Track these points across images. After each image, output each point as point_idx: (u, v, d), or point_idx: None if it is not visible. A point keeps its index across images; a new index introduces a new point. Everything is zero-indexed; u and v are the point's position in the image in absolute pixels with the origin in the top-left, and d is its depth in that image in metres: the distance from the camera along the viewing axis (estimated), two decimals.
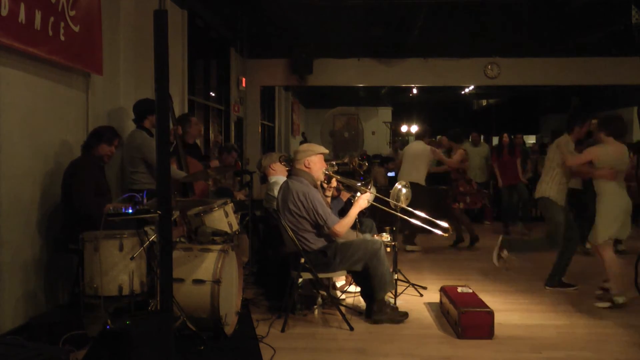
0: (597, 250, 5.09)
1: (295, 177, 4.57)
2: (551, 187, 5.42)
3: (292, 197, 4.44)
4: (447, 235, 5.00)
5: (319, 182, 4.68)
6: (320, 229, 4.46)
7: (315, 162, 4.60)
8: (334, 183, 4.82)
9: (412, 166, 7.74)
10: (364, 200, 4.60)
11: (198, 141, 8.61)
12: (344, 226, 4.46)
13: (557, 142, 5.50)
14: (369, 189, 4.79)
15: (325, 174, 4.70)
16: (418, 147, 7.90)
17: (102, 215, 3.88)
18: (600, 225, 4.98)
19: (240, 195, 6.62)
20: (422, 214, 4.93)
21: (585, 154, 5.25)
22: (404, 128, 23.14)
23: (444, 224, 4.86)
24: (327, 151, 4.80)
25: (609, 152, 5.01)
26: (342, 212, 5.77)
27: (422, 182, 7.68)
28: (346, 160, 5.28)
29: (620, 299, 4.87)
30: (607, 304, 4.91)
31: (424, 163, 7.75)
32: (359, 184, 4.75)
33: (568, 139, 5.42)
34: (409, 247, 7.70)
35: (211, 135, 9.68)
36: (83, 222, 3.97)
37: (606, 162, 4.98)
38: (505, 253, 5.46)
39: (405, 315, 4.51)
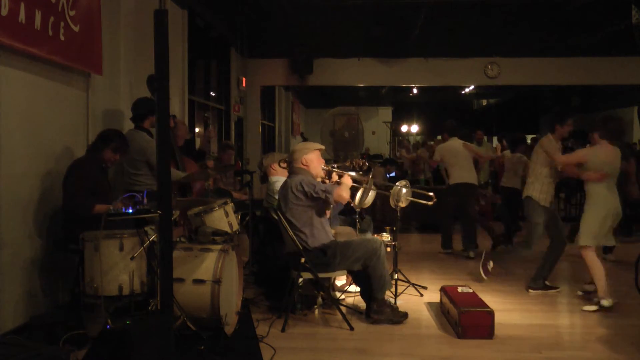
0: (582, 253, 4.99)
1: (295, 176, 4.57)
2: (534, 187, 5.40)
3: (290, 191, 4.46)
4: (431, 203, 5.15)
5: (319, 179, 4.67)
6: (322, 220, 4.48)
7: (313, 159, 4.61)
8: (334, 177, 4.80)
9: (462, 166, 7.26)
10: (347, 178, 4.60)
11: (198, 140, 8.64)
12: (343, 190, 4.42)
13: (540, 142, 5.46)
14: (370, 177, 4.76)
15: (324, 169, 4.70)
16: (462, 145, 7.36)
17: (89, 215, 3.89)
18: (585, 228, 4.94)
19: (239, 195, 6.62)
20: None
21: (576, 154, 5.30)
22: (404, 128, 23.15)
23: (429, 193, 5.13)
24: (323, 147, 4.78)
25: (599, 154, 4.95)
26: (342, 214, 5.78)
27: (476, 181, 7.38)
28: (347, 163, 5.28)
29: (606, 302, 4.78)
30: (594, 307, 4.82)
31: (471, 160, 7.31)
32: (359, 174, 4.74)
33: (551, 138, 5.36)
34: (471, 254, 7.11)
35: (211, 130, 9.65)
36: (83, 222, 3.97)
37: (595, 164, 4.93)
38: (491, 265, 5.66)
39: (404, 316, 4.50)
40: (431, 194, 5.19)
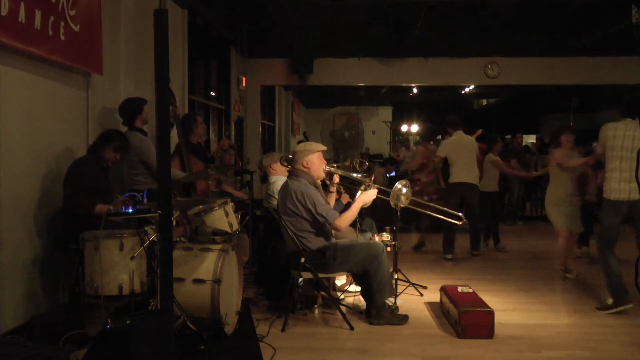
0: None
1: (295, 178, 4.54)
2: None
3: (290, 197, 4.44)
4: (460, 223, 5.31)
5: (319, 180, 4.65)
6: (320, 227, 4.44)
7: (314, 161, 4.56)
8: (336, 179, 4.78)
9: (465, 164, 6.89)
10: (369, 195, 4.56)
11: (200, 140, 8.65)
12: (345, 220, 4.43)
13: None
14: (372, 179, 4.75)
15: (326, 171, 4.66)
16: (469, 141, 7.01)
17: (89, 215, 3.89)
18: None
19: (240, 194, 6.62)
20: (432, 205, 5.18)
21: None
22: (404, 127, 23.15)
23: (457, 213, 5.25)
24: (324, 148, 4.73)
25: None
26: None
27: (477, 182, 6.99)
28: (347, 163, 5.27)
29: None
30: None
31: (474, 159, 6.93)
32: (360, 175, 4.71)
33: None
34: (448, 256, 6.97)
35: (212, 136, 9.67)
36: (83, 222, 3.97)
37: None
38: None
39: (404, 318, 4.49)
40: (461, 214, 5.34)
